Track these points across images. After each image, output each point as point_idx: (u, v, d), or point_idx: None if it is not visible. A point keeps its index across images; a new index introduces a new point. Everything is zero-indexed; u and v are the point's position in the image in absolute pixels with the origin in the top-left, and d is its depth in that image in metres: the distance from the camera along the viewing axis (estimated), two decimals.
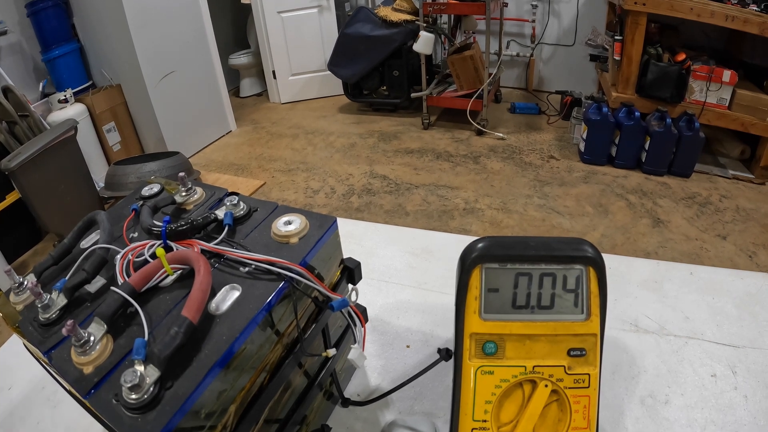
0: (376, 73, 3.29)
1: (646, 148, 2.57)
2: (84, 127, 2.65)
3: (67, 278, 0.41)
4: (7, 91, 2.41)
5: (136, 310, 0.37)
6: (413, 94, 3.17)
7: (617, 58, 2.66)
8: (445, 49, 3.53)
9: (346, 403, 0.53)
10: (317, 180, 2.78)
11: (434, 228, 2.33)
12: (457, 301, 0.39)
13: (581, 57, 3.35)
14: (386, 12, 3.09)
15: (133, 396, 0.31)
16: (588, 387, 0.37)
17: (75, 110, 2.68)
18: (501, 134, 3.07)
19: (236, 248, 0.43)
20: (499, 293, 0.37)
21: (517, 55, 3.60)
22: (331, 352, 0.47)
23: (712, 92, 2.47)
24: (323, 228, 0.45)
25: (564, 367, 0.37)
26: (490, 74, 2.96)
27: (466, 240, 0.82)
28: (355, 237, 0.85)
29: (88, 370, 0.34)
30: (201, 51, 3.16)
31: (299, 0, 3.50)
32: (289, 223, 0.45)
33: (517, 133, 3.12)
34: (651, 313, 0.63)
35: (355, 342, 0.44)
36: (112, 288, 0.38)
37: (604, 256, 0.72)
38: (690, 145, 2.48)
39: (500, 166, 2.79)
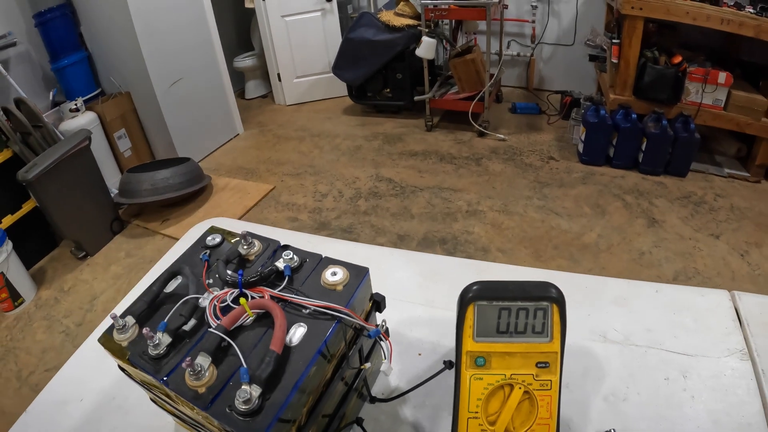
0: (380, 75, 3.37)
1: (643, 149, 2.65)
2: (95, 134, 2.74)
3: (166, 321, 0.53)
4: (19, 102, 2.49)
5: (230, 344, 0.50)
6: (416, 98, 3.25)
7: (615, 60, 2.73)
8: (446, 50, 3.59)
9: (373, 400, 0.65)
10: (325, 183, 2.88)
11: (438, 230, 2.43)
12: (457, 327, 0.53)
13: (581, 56, 3.41)
14: (389, 17, 3.16)
15: (244, 407, 0.44)
16: (550, 389, 0.51)
17: (86, 118, 2.76)
18: (502, 135, 3.16)
19: (296, 294, 0.55)
20: (487, 322, 0.51)
21: (518, 54, 3.67)
22: (367, 365, 0.60)
23: (707, 94, 2.55)
24: (359, 277, 0.57)
25: (533, 374, 0.51)
26: (491, 76, 3.03)
27: (468, 264, 0.92)
28: (374, 260, 0.94)
29: (201, 390, 0.47)
30: (207, 56, 3.24)
31: (303, 4, 3.57)
32: (334, 274, 0.57)
33: (518, 134, 3.20)
34: (618, 326, 0.73)
35: (384, 357, 0.57)
36: (211, 329, 0.50)
37: (583, 276, 0.83)
38: (686, 146, 2.56)
39: (501, 168, 2.88)
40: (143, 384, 0.56)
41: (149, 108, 2.99)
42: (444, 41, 3.35)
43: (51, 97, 2.89)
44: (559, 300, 0.50)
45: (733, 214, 2.39)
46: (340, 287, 0.56)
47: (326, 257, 0.61)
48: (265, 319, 0.53)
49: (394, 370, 0.70)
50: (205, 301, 0.54)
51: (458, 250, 2.28)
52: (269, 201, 2.80)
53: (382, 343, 0.58)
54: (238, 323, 0.52)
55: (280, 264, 0.58)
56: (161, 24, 2.86)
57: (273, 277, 0.57)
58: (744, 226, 2.30)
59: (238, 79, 4.08)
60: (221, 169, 3.18)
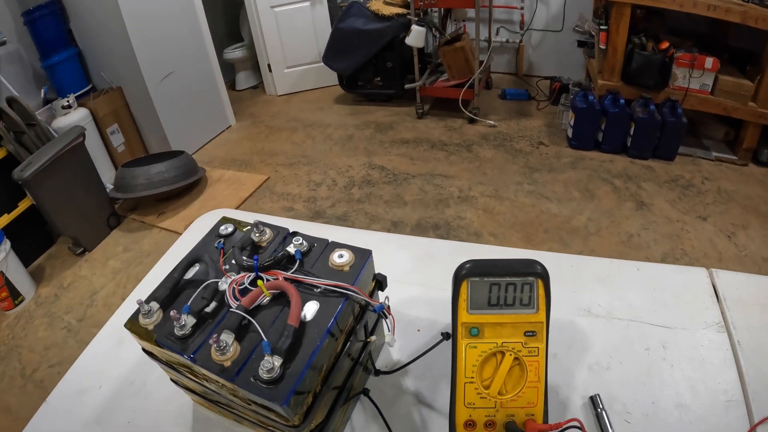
0: (370, 64, 3.38)
1: (631, 134, 2.70)
2: (88, 130, 2.73)
3: (189, 304, 0.57)
4: (12, 101, 2.47)
5: (250, 322, 0.54)
6: (407, 86, 3.27)
7: (603, 47, 2.77)
8: (435, 38, 3.60)
9: (378, 373, 0.70)
10: (318, 173, 2.91)
11: (431, 216, 2.48)
12: (453, 302, 0.58)
13: (569, 42, 3.44)
14: (378, 6, 3.17)
15: (268, 375, 0.49)
16: (538, 355, 0.56)
17: (79, 115, 2.76)
18: (492, 122, 3.19)
19: (308, 275, 0.60)
20: (479, 296, 0.56)
21: (507, 41, 3.69)
22: (373, 338, 0.65)
23: (695, 79, 2.59)
24: (364, 258, 0.62)
25: (521, 342, 0.56)
26: (480, 63, 3.06)
27: (460, 246, 0.97)
28: (371, 245, 0.99)
29: (227, 364, 0.52)
30: (198, 48, 3.23)
31: None
32: (341, 256, 0.62)
33: (508, 120, 3.24)
34: (602, 302, 0.78)
35: (388, 330, 0.62)
36: (232, 309, 0.55)
37: (569, 256, 0.89)
38: (673, 130, 2.61)
39: (492, 154, 2.92)
40: (168, 364, 0.60)
41: (141, 102, 2.99)
42: (433, 29, 3.36)
43: (42, 95, 2.87)
44: (544, 275, 0.55)
45: (720, 196, 2.44)
46: (346, 268, 0.61)
47: (332, 242, 0.65)
48: (280, 298, 0.58)
49: (396, 346, 0.75)
50: (224, 284, 0.59)
51: (451, 235, 2.33)
52: (264, 192, 2.82)
53: (384, 317, 0.62)
54: (256, 303, 0.57)
55: (291, 249, 0.63)
56: (151, 18, 2.85)
57: (285, 261, 0.62)
58: (731, 209, 2.36)
59: (228, 70, 4.07)
60: (215, 161, 3.19)
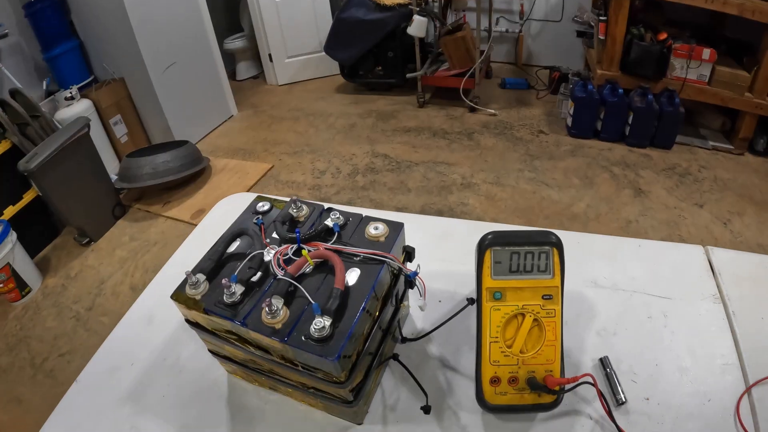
0: (371, 54, 3.41)
1: (630, 123, 2.75)
2: (92, 121, 2.75)
3: (236, 274, 0.61)
4: (15, 93, 2.47)
5: (296, 287, 0.59)
6: (408, 75, 3.30)
7: (602, 37, 2.81)
8: (436, 27, 3.63)
9: (404, 340, 0.75)
10: (322, 161, 2.94)
11: (434, 202, 2.52)
12: (477, 268, 0.63)
13: (568, 32, 3.48)
14: None
15: (318, 334, 0.53)
16: (555, 317, 0.62)
17: (82, 106, 2.76)
18: (493, 110, 3.24)
19: (347, 246, 0.64)
20: (501, 264, 0.62)
21: (506, 31, 3.72)
22: (405, 303, 0.70)
23: (692, 69, 2.64)
24: (397, 230, 0.67)
25: (540, 305, 0.61)
26: (481, 52, 3.09)
27: (474, 224, 1.02)
28: None
29: (278, 326, 0.56)
30: (200, 38, 3.24)
31: None
32: (376, 228, 0.66)
33: (508, 109, 3.28)
34: (606, 275, 0.83)
35: (420, 295, 0.66)
36: (280, 277, 0.59)
37: (576, 233, 0.94)
38: (671, 120, 2.67)
39: (493, 142, 2.96)
40: (213, 332, 0.63)
41: (144, 93, 3.00)
42: (434, 19, 3.38)
43: (44, 87, 2.87)
44: (558, 244, 0.61)
45: (717, 185, 2.50)
46: (382, 238, 0.66)
47: (366, 216, 0.70)
48: (322, 267, 0.62)
49: (419, 316, 0.80)
50: (268, 255, 0.63)
51: None
52: (269, 180, 2.86)
53: (418, 282, 0.67)
54: (301, 271, 0.61)
55: (330, 222, 0.67)
56: (154, 8, 2.85)
57: (324, 234, 0.67)
58: (727, 197, 2.41)
59: (228, 60, 4.07)
60: (218, 150, 3.22)
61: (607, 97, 2.73)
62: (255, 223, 0.71)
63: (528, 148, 2.87)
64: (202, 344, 0.79)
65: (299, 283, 0.59)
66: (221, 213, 1.16)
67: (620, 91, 2.71)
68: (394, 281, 0.68)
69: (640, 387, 0.66)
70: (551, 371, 0.61)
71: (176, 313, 0.85)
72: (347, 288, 0.59)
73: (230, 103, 3.58)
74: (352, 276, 0.61)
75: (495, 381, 0.61)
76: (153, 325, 0.86)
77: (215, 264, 0.65)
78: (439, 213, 2.45)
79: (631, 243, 0.90)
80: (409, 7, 3.06)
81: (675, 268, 0.83)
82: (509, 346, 0.61)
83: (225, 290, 0.59)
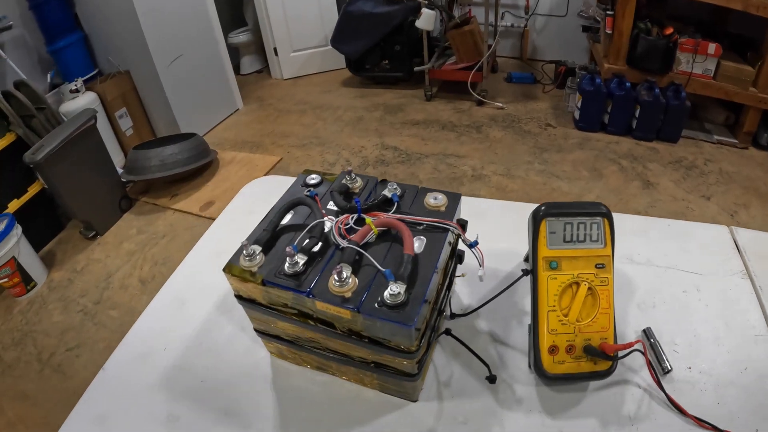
0: (378, 48, 3.40)
1: (636, 116, 2.77)
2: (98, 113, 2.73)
3: (296, 244, 0.60)
4: (20, 85, 2.44)
5: (362, 256, 0.58)
6: (416, 68, 3.30)
7: (609, 31, 2.83)
8: (442, 21, 3.63)
9: (453, 316, 0.76)
10: (332, 153, 2.94)
11: None
12: (533, 239, 0.64)
13: (573, 27, 3.50)
14: None
15: (393, 300, 0.53)
16: (608, 285, 0.63)
17: (87, 99, 2.73)
18: (500, 104, 3.25)
19: (407, 215, 0.64)
20: (555, 234, 0.64)
21: (512, 25, 3.74)
22: (464, 274, 0.73)
23: (698, 64, 2.66)
24: (456, 201, 0.67)
25: (593, 273, 0.63)
26: (489, 46, 3.10)
27: (508, 204, 1.01)
28: None
29: (348, 295, 0.55)
30: (206, 31, 3.22)
31: None
32: (436, 198, 0.67)
33: (515, 103, 3.30)
34: (641, 251, 0.86)
35: (479, 264, 0.64)
36: (345, 245, 0.58)
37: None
38: (676, 113, 2.69)
39: (501, 135, 2.97)
40: (269, 307, 0.61)
41: (150, 86, 2.98)
42: (442, 12, 3.39)
43: (49, 80, 2.84)
44: (608, 215, 0.63)
45: (722, 177, 2.52)
46: (442, 208, 0.66)
47: (422, 187, 0.70)
48: (384, 236, 0.62)
49: (464, 292, 0.81)
50: (327, 225, 0.63)
51: None
52: (278, 172, 2.85)
53: (476, 251, 0.66)
54: (365, 240, 0.61)
55: (388, 193, 0.67)
56: (160, 1, 2.83)
57: (383, 204, 0.67)
58: (732, 189, 2.43)
59: (233, 55, 4.04)
60: (225, 143, 3.20)
61: (615, 91, 2.75)
62: (308, 195, 0.70)
63: (536, 141, 2.89)
64: (241, 327, 0.78)
65: (365, 251, 0.59)
66: (250, 195, 1.16)
67: (627, 84, 2.73)
68: (451, 253, 0.68)
69: (681, 356, 0.68)
70: (606, 338, 0.62)
71: (210, 296, 0.84)
72: (415, 255, 0.58)
73: (236, 97, 3.56)
74: (418, 244, 0.60)
75: (553, 350, 0.62)
76: (185, 308, 0.84)
77: (270, 236, 0.63)
78: None
79: (660, 222, 0.92)
80: (418, 0, 3.06)
81: (703, 246, 0.86)
82: (565, 315, 0.62)
83: (288, 260, 0.57)
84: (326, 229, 0.63)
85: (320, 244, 0.61)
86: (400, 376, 0.61)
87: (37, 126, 2.43)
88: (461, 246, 0.69)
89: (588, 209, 0.63)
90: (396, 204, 0.66)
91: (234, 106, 3.57)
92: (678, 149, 2.75)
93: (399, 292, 0.53)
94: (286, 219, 0.67)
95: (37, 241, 2.42)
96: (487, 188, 2.54)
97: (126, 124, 3.03)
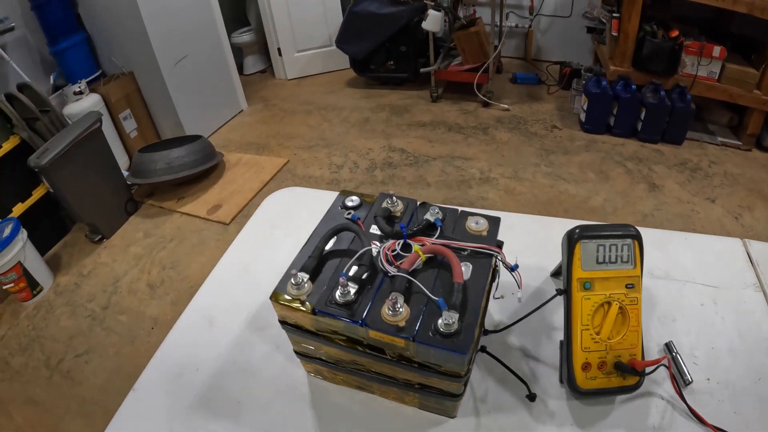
0: (383, 48, 3.40)
1: (642, 118, 2.78)
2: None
3: (345, 271, 0.60)
4: (23, 87, 2.42)
5: (411, 283, 0.59)
6: (422, 69, 3.30)
7: (615, 33, 2.83)
8: (446, 22, 3.63)
9: (486, 332, 0.77)
10: (339, 155, 2.93)
11: (455, 197, 2.54)
12: (567, 261, 0.67)
13: (578, 28, 3.51)
14: None
15: (447, 329, 0.54)
16: (637, 304, 0.66)
17: (91, 101, 2.72)
18: (506, 105, 3.26)
19: (451, 240, 0.64)
20: (589, 256, 0.66)
21: (516, 26, 3.74)
22: (503, 296, 0.71)
23: (702, 66, 2.68)
24: (496, 225, 0.68)
25: (624, 293, 0.65)
26: (495, 47, 3.10)
27: (531, 218, 1.02)
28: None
29: (402, 324, 0.55)
30: (210, 32, 3.20)
31: None
32: (477, 223, 0.67)
33: (521, 104, 3.30)
34: (660, 265, 0.88)
35: (518, 286, 0.65)
36: (395, 273, 0.59)
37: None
38: (682, 115, 2.70)
39: (508, 137, 2.98)
40: (315, 333, 0.62)
41: (155, 87, 2.96)
42: (448, 14, 3.38)
43: (52, 82, 2.82)
44: (638, 236, 0.66)
45: (727, 179, 2.54)
46: (484, 233, 0.67)
47: (462, 210, 0.71)
48: (430, 262, 0.62)
49: (496, 309, 0.82)
50: (374, 251, 0.63)
51: None
52: (285, 174, 2.85)
53: (515, 274, 0.67)
54: (413, 267, 0.61)
55: (430, 217, 0.68)
56: (165, 2, 2.81)
57: (427, 229, 0.67)
58: (737, 191, 2.45)
59: (236, 54, 4.02)
60: (230, 145, 3.19)
61: (621, 93, 2.76)
62: (349, 218, 0.70)
63: (543, 143, 2.90)
64: (275, 345, 0.78)
65: (415, 279, 0.59)
66: (272, 208, 1.15)
67: (633, 87, 2.75)
68: (492, 275, 0.69)
69: (701, 368, 0.71)
70: (634, 354, 0.65)
71: (239, 314, 0.84)
72: (465, 281, 0.59)
73: (240, 97, 3.55)
74: (464, 269, 0.61)
75: (586, 367, 0.65)
76: (215, 327, 0.83)
77: (317, 262, 0.64)
78: (460, 207, 2.46)
79: (678, 236, 0.95)
80: (424, 1, 3.06)
81: (719, 259, 0.88)
82: (597, 333, 0.65)
83: (340, 289, 0.58)
84: (373, 254, 0.63)
85: (368, 270, 0.62)
86: (443, 396, 0.62)
87: (41, 129, 2.42)
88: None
89: (619, 231, 0.66)
90: (439, 229, 0.67)
91: (238, 106, 3.56)
92: (683, 151, 2.77)
93: (453, 321, 0.54)
94: (331, 243, 0.67)
95: (42, 244, 2.40)
96: (495, 191, 2.55)
97: (130, 125, 3.01)
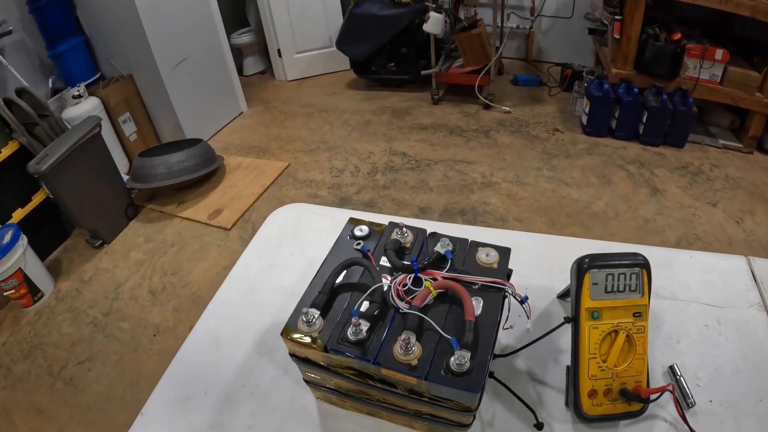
0: (384, 50, 3.38)
1: (644, 121, 2.78)
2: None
3: (356, 308, 0.59)
4: (22, 92, 2.41)
5: (422, 320, 0.58)
6: (423, 72, 3.29)
7: (617, 36, 2.82)
8: (447, 23, 3.61)
9: (494, 356, 0.75)
10: (340, 159, 2.93)
11: (457, 202, 2.54)
12: (576, 290, 0.67)
13: (579, 29, 3.49)
14: None
15: (459, 368, 0.54)
16: (644, 332, 0.66)
17: (90, 105, 2.70)
18: (507, 108, 3.25)
19: (462, 274, 0.64)
20: (598, 285, 0.66)
21: (517, 27, 3.73)
22: (512, 326, 0.70)
23: (705, 69, 2.67)
24: (506, 256, 0.68)
25: (631, 322, 0.66)
26: (496, 49, 3.09)
27: (533, 236, 1.02)
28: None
29: (414, 362, 0.55)
30: (209, 33, 3.19)
31: None
32: (488, 255, 0.67)
33: (522, 106, 3.30)
34: (665, 285, 0.88)
35: (528, 317, 0.64)
36: (406, 310, 0.58)
37: (637, 246, 0.94)
38: (684, 119, 2.70)
39: (510, 140, 2.98)
40: (329, 368, 0.61)
41: (154, 90, 2.95)
42: (449, 15, 3.37)
43: (50, 85, 2.80)
44: (647, 265, 0.66)
45: (728, 183, 2.54)
46: (495, 265, 0.66)
47: (472, 241, 0.70)
48: (442, 296, 0.62)
49: (503, 334, 0.79)
50: (384, 285, 0.62)
51: (478, 220, 2.39)
52: (286, 178, 2.84)
53: (525, 306, 0.67)
54: (424, 303, 0.60)
55: (441, 249, 0.67)
56: (163, 3, 2.80)
57: (437, 261, 0.66)
58: (738, 195, 2.45)
59: (235, 56, 4.00)
60: (231, 148, 3.18)
61: (623, 96, 2.75)
62: (359, 249, 0.70)
63: (545, 147, 2.89)
64: (284, 369, 0.77)
65: (426, 316, 0.59)
66: (277, 225, 1.14)
67: (635, 90, 2.74)
68: (501, 306, 0.69)
69: (704, 390, 0.71)
70: (640, 381, 0.65)
71: (247, 336, 0.84)
72: (476, 318, 0.59)
73: (240, 99, 3.54)
74: (475, 304, 0.61)
75: (592, 394, 0.65)
76: (221, 349, 0.83)
77: (328, 297, 0.63)
78: (463, 212, 2.46)
79: (683, 254, 0.95)
80: (425, 3, 3.04)
81: (723, 278, 0.88)
82: (604, 361, 0.65)
83: (352, 327, 0.57)
84: (384, 290, 0.62)
85: (379, 306, 0.61)
86: (453, 425, 0.62)
87: (41, 134, 2.41)
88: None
89: (628, 261, 0.66)
90: (450, 261, 0.66)
91: (238, 108, 3.55)
92: (684, 154, 2.76)
93: (465, 361, 0.54)
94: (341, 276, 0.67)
95: (42, 250, 2.40)
96: (498, 196, 2.55)
97: (130, 129, 3.00)
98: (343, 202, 2.60)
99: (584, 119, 2.95)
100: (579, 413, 0.66)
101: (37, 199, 2.46)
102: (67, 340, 2.04)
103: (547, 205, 2.46)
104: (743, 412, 0.68)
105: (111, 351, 1.97)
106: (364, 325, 0.58)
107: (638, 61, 2.81)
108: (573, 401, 0.67)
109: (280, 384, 0.76)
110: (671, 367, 0.74)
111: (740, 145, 2.77)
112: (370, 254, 0.68)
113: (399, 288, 0.62)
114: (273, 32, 3.71)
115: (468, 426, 0.62)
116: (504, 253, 0.68)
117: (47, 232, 2.52)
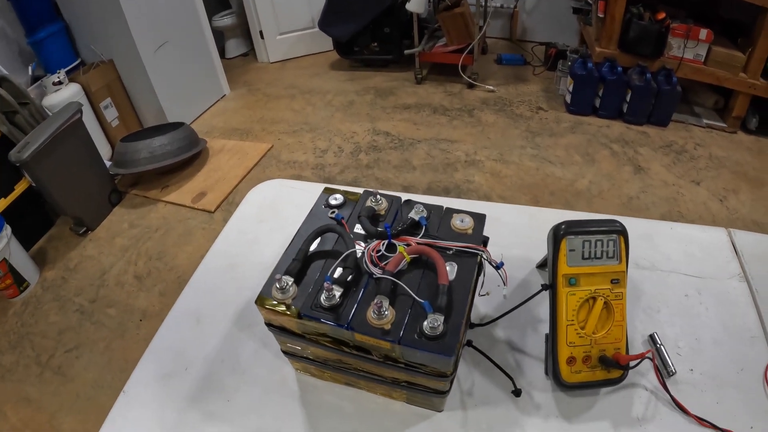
0: (367, 30, 3.34)
1: (628, 100, 2.79)
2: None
3: (329, 274, 0.59)
4: (1, 80, 2.35)
5: (396, 285, 0.58)
6: (407, 51, 3.26)
7: (601, 15, 2.81)
8: (430, 3, 3.57)
9: (473, 326, 0.78)
10: (323, 140, 2.90)
11: (440, 180, 2.53)
12: (553, 257, 0.67)
13: (563, 8, 3.47)
14: None
15: (432, 332, 0.54)
16: (621, 299, 0.67)
17: (70, 91, 2.65)
18: (491, 87, 3.24)
19: (437, 239, 0.63)
20: (575, 251, 0.66)
21: (501, 6, 3.70)
22: (488, 292, 0.72)
23: (689, 49, 2.67)
24: (481, 222, 0.68)
25: (609, 288, 0.66)
26: (480, 28, 3.07)
27: (517, 208, 1.02)
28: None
29: (387, 327, 0.55)
30: (190, 16, 3.12)
31: None
32: (462, 221, 0.66)
33: (506, 85, 3.29)
34: (645, 256, 0.89)
35: (504, 284, 0.64)
36: (380, 275, 0.58)
37: (616, 216, 0.95)
38: (668, 98, 2.71)
39: (494, 119, 2.97)
40: (301, 336, 0.61)
41: (136, 75, 2.89)
42: None
43: (30, 72, 2.73)
44: (624, 232, 0.66)
45: (712, 162, 2.56)
46: (469, 231, 0.66)
47: (447, 207, 0.70)
48: (415, 262, 0.62)
49: (481, 302, 0.82)
50: (358, 252, 0.62)
51: (462, 198, 2.40)
52: (270, 160, 2.81)
53: (501, 272, 0.67)
54: (398, 268, 0.60)
55: (415, 215, 0.67)
56: None
57: (412, 228, 0.66)
58: (722, 174, 2.47)
59: (217, 38, 3.92)
60: (214, 131, 3.14)
61: (607, 75, 2.76)
62: (333, 218, 0.69)
63: (528, 125, 2.89)
64: (263, 343, 0.78)
65: (400, 281, 0.59)
66: (257, 202, 1.14)
67: (619, 69, 2.74)
68: (478, 271, 0.69)
69: (684, 359, 0.72)
70: (619, 348, 0.66)
71: (227, 312, 0.84)
72: (450, 282, 0.59)
73: (222, 82, 3.48)
74: (449, 270, 0.61)
75: (571, 361, 0.66)
76: (202, 325, 0.83)
77: (301, 265, 0.63)
78: (446, 191, 2.46)
79: (664, 225, 0.96)
80: None
81: (704, 250, 0.89)
82: (582, 328, 0.66)
83: (325, 293, 0.57)
84: (357, 256, 0.62)
85: (352, 272, 0.61)
86: (431, 393, 0.63)
87: (21, 122, 2.36)
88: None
89: (605, 227, 0.66)
90: (424, 228, 0.66)
91: (221, 91, 3.49)
92: (668, 133, 2.78)
93: (438, 324, 0.54)
94: (315, 243, 0.67)
95: (26, 239, 2.36)
96: (481, 174, 2.55)
97: (111, 114, 2.94)
98: (326, 182, 2.55)
99: (568, 98, 2.95)
100: (558, 381, 0.66)
101: (19, 188, 2.41)
102: (54, 328, 2.02)
103: (531, 183, 2.47)
104: (724, 381, 0.69)
105: (98, 338, 1.96)
106: (337, 291, 0.58)
107: (622, 40, 2.80)
108: (552, 369, 0.67)
109: (260, 357, 0.77)
110: (651, 336, 0.74)
111: (724, 125, 2.80)
112: (344, 221, 0.68)
113: (372, 254, 0.61)
114: (255, 14, 3.64)
115: (446, 393, 0.63)
116: (479, 219, 0.68)
117: (31, 222, 2.48)
